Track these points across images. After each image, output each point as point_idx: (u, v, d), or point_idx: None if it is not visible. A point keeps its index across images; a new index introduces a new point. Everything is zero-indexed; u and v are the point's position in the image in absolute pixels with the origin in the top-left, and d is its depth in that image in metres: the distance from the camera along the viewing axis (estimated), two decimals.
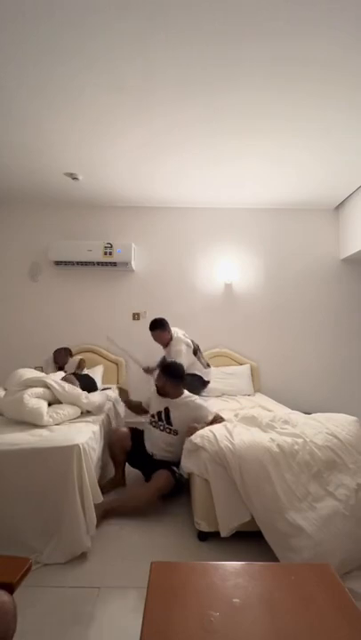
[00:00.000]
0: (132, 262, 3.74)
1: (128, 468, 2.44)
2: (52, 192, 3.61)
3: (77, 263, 3.72)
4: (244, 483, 1.75)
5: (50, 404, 2.30)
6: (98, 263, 3.71)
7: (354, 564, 1.57)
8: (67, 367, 3.25)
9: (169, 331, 3.04)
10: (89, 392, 2.61)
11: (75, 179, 3.25)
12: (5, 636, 0.78)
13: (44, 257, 3.79)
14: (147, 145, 2.72)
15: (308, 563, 1.41)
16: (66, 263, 3.73)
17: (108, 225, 3.93)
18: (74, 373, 2.98)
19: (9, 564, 0.91)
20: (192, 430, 2.07)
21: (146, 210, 3.96)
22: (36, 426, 2.08)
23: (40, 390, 2.28)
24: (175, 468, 2.18)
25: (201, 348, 3.27)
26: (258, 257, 3.99)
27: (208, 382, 3.19)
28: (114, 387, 3.42)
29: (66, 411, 2.27)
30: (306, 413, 2.39)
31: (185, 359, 2.88)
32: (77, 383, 2.64)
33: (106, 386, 3.33)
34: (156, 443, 2.31)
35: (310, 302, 3.95)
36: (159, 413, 2.34)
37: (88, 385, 2.81)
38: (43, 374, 2.58)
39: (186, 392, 2.37)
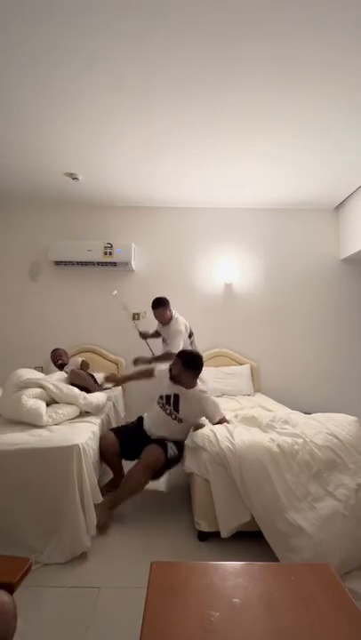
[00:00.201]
0: (132, 262, 3.74)
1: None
2: (52, 192, 3.61)
3: (77, 263, 3.72)
4: (245, 483, 1.75)
5: (49, 404, 2.30)
6: (98, 263, 3.71)
7: (354, 563, 1.57)
8: (67, 368, 3.25)
9: (170, 310, 3.10)
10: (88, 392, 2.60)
11: (75, 179, 3.25)
12: (5, 636, 0.78)
13: (44, 257, 3.79)
14: (147, 145, 2.72)
15: (308, 563, 1.41)
16: (66, 263, 3.73)
17: (108, 225, 3.92)
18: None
19: (9, 564, 0.91)
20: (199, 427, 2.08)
21: (146, 210, 3.96)
22: (35, 426, 2.08)
23: (38, 391, 2.28)
24: (168, 443, 2.17)
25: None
26: (258, 257, 3.98)
27: None
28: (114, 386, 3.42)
29: (65, 410, 2.27)
30: (306, 413, 2.39)
31: (182, 340, 2.93)
32: (89, 378, 2.70)
33: (106, 385, 3.33)
34: (157, 422, 2.28)
35: (310, 302, 3.95)
36: (168, 397, 2.27)
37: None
38: (42, 375, 2.58)
39: (200, 384, 2.28)
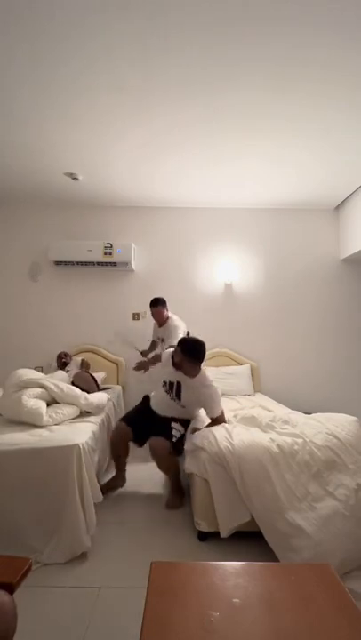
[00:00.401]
0: (132, 262, 3.74)
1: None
2: (52, 192, 3.61)
3: (77, 263, 3.71)
4: (244, 483, 1.75)
5: (49, 404, 2.30)
6: (98, 263, 3.70)
7: (354, 563, 1.57)
8: (68, 367, 3.25)
9: (167, 310, 3.17)
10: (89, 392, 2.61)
11: (75, 179, 3.25)
12: (5, 636, 0.78)
13: (44, 257, 3.79)
14: (147, 145, 2.72)
15: (308, 563, 1.41)
16: (66, 263, 3.73)
17: (108, 225, 3.92)
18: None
19: (9, 564, 0.91)
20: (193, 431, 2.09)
21: (146, 210, 3.96)
22: (35, 426, 2.08)
23: (38, 391, 2.28)
24: (173, 425, 2.21)
25: None
26: (258, 257, 3.98)
27: None
28: (114, 386, 3.43)
29: (65, 410, 2.27)
30: (306, 413, 2.39)
31: (182, 334, 2.95)
32: (92, 381, 2.73)
33: (106, 386, 3.33)
34: (162, 406, 2.32)
35: (310, 302, 3.95)
36: (171, 384, 2.26)
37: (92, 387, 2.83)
38: (42, 375, 2.58)
39: (203, 374, 2.18)
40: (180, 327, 3.01)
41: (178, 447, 2.18)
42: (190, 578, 0.92)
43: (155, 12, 1.60)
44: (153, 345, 3.38)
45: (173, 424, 2.22)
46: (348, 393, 3.85)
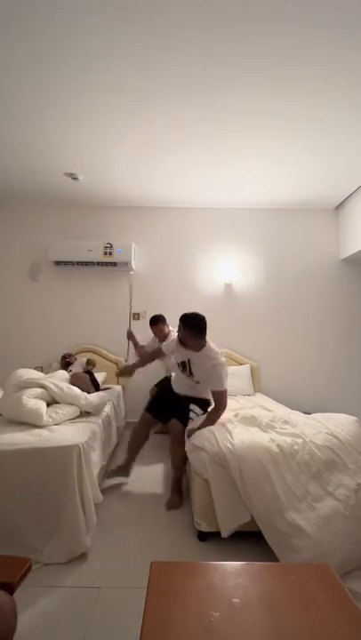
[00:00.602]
0: (132, 262, 3.74)
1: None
2: (52, 192, 3.61)
3: (77, 263, 3.72)
4: (244, 483, 1.75)
5: (49, 404, 2.29)
6: (98, 263, 3.71)
7: (354, 563, 1.57)
8: (72, 367, 3.25)
9: (168, 326, 3.18)
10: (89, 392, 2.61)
11: (75, 179, 3.25)
12: (5, 636, 0.78)
13: (44, 257, 3.79)
14: (147, 145, 2.73)
15: (308, 563, 1.41)
16: (66, 263, 3.73)
17: (108, 225, 3.93)
18: (87, 372, 3.01)
19: (9, 564, 0.91)
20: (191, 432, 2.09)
21: (146, 210, 3.96)
22: (35, 426, 2.07)
23: (38, 391, 2.28)
24: (191, 407, 2.31)
25: None
26: (258, 257, 3.99)
27: None
28: (114, 386, 3.43)
29: (65, 410, 2.27)
30: (306, 413, 2.39)
31: None
32: (87, 379, 2.73)
33: (106, 386, 3.33)
34: (180, 385, 2.42)
35: (310, 302, 3.95)
36: (183, 363, 2.31)
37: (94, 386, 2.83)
38: (42, 375, 2.58)
39: (209, 346, 2.22)
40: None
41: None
42: (190, 578, 0.92)
43: (155, 13, 1.61)
44: (143, 357, 3.32)
45: (192, 406, 2.32)
46: (348, 393, 3.85)
